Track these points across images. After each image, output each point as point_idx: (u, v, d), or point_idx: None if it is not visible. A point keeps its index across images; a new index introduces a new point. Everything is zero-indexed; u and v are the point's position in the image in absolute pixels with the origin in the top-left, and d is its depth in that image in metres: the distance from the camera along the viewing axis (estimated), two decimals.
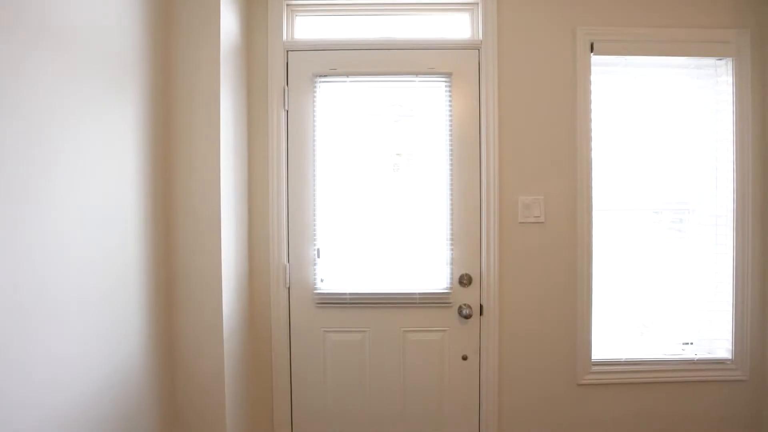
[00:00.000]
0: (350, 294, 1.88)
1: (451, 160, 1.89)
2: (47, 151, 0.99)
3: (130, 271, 1.32)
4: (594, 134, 1.90)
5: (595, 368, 1.91)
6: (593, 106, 1.90)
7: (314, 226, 1.89)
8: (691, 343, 2.00)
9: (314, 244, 1.89)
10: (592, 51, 1.89)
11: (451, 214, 1.89)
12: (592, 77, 1.90)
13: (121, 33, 1.27)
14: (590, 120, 1.89)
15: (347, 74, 1.88)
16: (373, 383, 1.90)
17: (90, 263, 1.13)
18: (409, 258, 1.89)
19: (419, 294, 1.87)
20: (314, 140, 1.89)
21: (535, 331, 1.90)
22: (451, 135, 1.89)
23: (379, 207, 1.89)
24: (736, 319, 1.92)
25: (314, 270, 1.90)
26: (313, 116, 1.89)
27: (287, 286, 1.90)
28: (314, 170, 1.89)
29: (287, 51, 1.88)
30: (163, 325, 1.50)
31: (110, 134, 1.22)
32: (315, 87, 1.89)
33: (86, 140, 1.12)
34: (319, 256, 1.89)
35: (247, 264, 1.86)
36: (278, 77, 1.87)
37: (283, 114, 1.88)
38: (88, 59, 1.13)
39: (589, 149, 1.88)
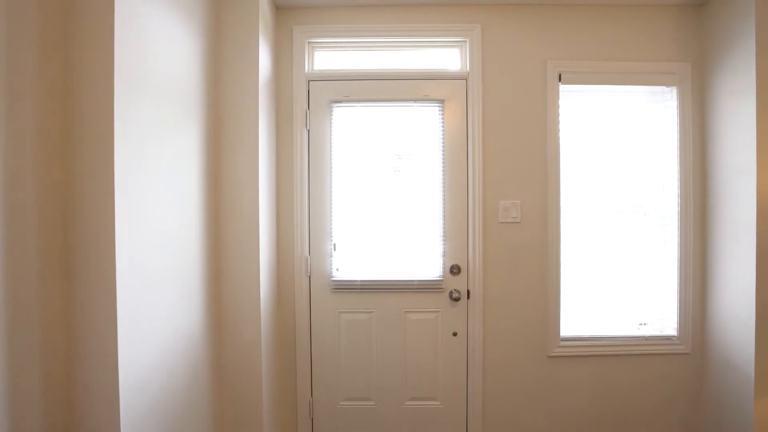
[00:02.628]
0: (360, 281, 2.28)
1: (444, 170, 2.29)
2: (146, 166, 1.39)
3: (194, 258, 1.72)
4: (562, 149, 2.30)
5: (563, 343, 2.30)
6: (561, 126, 2.30)
7: (331, 224, 2.30)
8: (646, 324, 2.39)
9: (331, 240, 2.30)
10: (560, 81, 2.29)
11: (444, 215, 2.29)
12: (561, 101, 2.30)
13: (187, 78, 1.68)
14: (558, 138, 2.29)
15: (358, 100, 2.28)
16: (379, 355, 2.30)
17: (173, 250, 1.54)
18: (409, 251, 2.29)
19: (417, 281, 2.28)
20: (331, 154, 2.30)
21: (513, 311, 2.29)
22: (443, 149, 2.29)
23: (385, 209, 2.29)
24: (680, 302, 2.31)
25: (331, 261, 2.30)
26: (330, 134, 2.30)
27: (308, 274, 2.30)
28: (331, 179, 2.30)
29: (309, 81, 2.29)
30: (215, 301, 1.91)
31: (182, 154, 1.62)
32: (331, 111, 2.30)
33: (168, 159, 1.53)
34: (335, 250, 2.30)
35: (275, 257, 2.26)
36: (301, 102, 2.28)
37: (305, 133, 2.29)
38: (169, 101, 1.53)
39: (557, 162, 2.28)
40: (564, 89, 2.31)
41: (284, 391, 2.31)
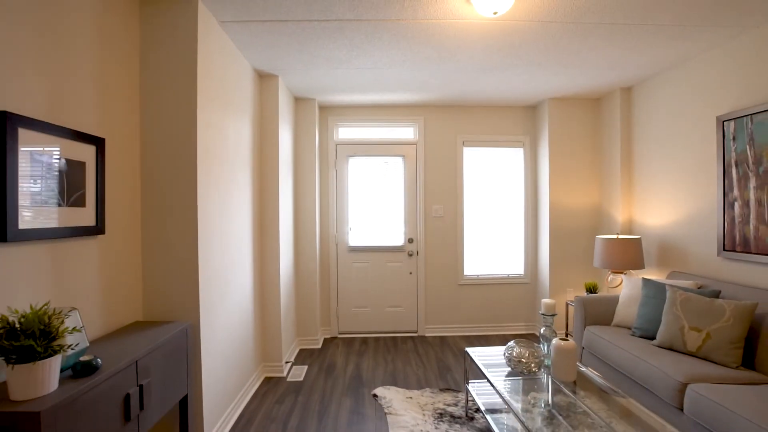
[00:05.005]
0: (363, 246, 4.51)
1: (405, 190, 4.53)
2: (226, 200, 3.63)
3: (247, 251, 3.94)
4: (465, 180, 4.54)
5: (465, 277, 4.54)
6: (464, 168, 4.54)
7: (348, 217, 4.53)
8: (509, 268, 4.63)
9: (348, 224, 4.53)
10: (464, 145, 4.54)
11: (405, 212, 4.52)
12: (464, 155, 4.54)
13: (244, 148, 3.92)
14: (462, 174, 4.53)
15: (361, 155, 4.52)
16: (372, 284, 4.53)
17: (240, 246, 3.77)
18: (387, 230, 4.52)
19: (391, 245, 4.51)
20: (347, 181, 4.53)
21: (439, 261, 4.53)
22: (404, 179, 4.53)
23: (375, 208, 4.53)
24: (525, 258, 4.56)
25: (348, 236, 4.53)
26: (347, 171, 4.53)
27: (336, 243, 4.53)
28: (347, 193, 4.53)
29: (336, 145, 4.53)
30: (258, 278, 4.13)
31: (244, 193, 3.85)
32: (348, 160, 4.53)
33: (239, 195, 3.76)
34: (350, 230, 4.53)
35: (319, 235, 4.49)
36: (332, 156, 4.51)
37: (335, 171, 4.52)
38: (236, 163, 3.77)
39: (462, 186, 4.52)
40: (466, 149, 4.56)
41: (324, 304, 4.54)
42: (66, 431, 1.23)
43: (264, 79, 3.46)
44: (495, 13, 2.13)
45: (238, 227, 2.97)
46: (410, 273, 4.54)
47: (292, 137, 4.06)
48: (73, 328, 1.33)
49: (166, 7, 2.15)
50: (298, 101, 4.18)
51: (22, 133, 1.40)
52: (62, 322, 1.30)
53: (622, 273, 3.57)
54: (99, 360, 1.42)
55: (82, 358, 1.40)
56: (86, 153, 1.74)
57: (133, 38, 2.11)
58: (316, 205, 4.20)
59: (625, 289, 3.15)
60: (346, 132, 4.60)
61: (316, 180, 4.22)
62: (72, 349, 1.34)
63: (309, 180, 4.19)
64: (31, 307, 1.24)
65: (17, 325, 1.20)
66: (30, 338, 1.16)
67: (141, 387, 1.62)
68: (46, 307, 1.28)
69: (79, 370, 1.37)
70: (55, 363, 1.25)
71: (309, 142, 4.18)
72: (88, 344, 1.53)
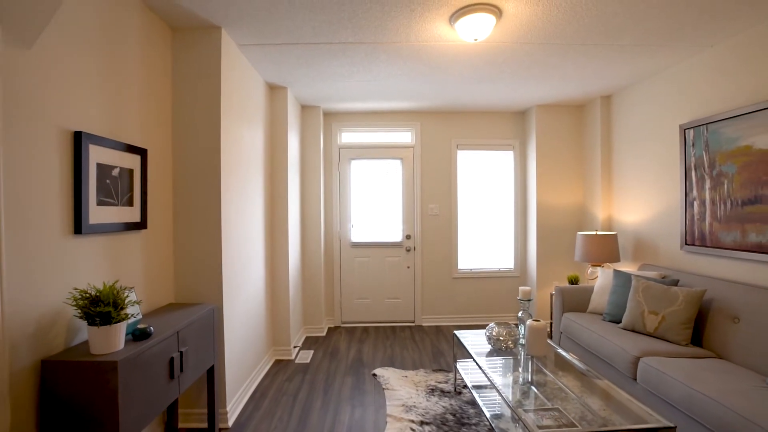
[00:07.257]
0: (364, 242, 4.87)
1: (403, 190, 4.88)
2: (243, 201, 4.00)
3: (260, 246, 4.31)
4: (459, 180, 4.89)
5: (459, 271, 4.89)
6: (458, 169, 4.89)
7: (350, 214, 4.89)
8: (500, 263, 4.98)
9: (350, 222, 4.89)
10: (457, 148, 4.88)
11: (403, 210, 4.88)
12: (459, 158, 4.89)
13: (257, 153, 4.28)
14: (456, 175, 4.88)
15: (362, 158, 4.88)
16: (373, 277, 4.89)
17: (254, 241, 4.13)
18: (387, 226, 4.88)
19: (390, 241, 4.87)
20: (350, 182, 4.89)
21: (435, 257, 4.89)
22: (402, 180, 4.88)
23: (376, 206, 4.88)
24: (515, 253, 4.90)
25: (351, 232, 4.89)
26: (349, 173, 4.89)
27: (339, 239, 4.89)
28: (350, 193, 4.89)
29: (339, 149, 4.89)
30: (269, 270, 4.49)
31: (257, 193, 4.22)
32: (350, 162, 4.89)
33: (253, 196, 4.12)
34: (352, 227, 4.89)
35: (323, 232, 4.85)
36: (336, 159, 4.87)
37: (338, 172, 4.88)
38: (250, 166, 4.14)
39: (456, 186, 4.87)
40: (460, 152, 4.91)
41: (328, 295, 4.90)
42: (132, 380, 1.60)
43: (274, 91, 3.82)
44: (476, 39, 2.48)
45: (253, 225, 3.33)
46: (408, 267, 4.90)
47: (299, 142, 4.42)
48: (134, 302, 1.70)
49: (194, 35, 2.51)
50: (305, 109, 4.54)
51: (92, 148, 1.77)
52: (126, 296, 1.66)
53: (600, 266, 3.91)
54: (152, 328, 1.79)
55: (139, 326, 1.76)
56: (134, 162, 2.10)
57: (167, 62, 2.47)
58: (320, 204, 4.56)
59: (599, 279, 3.49)
60: (348, 137, 4.95)
61: (321, 181, 4.58)
62: (133, 317, 1.71)
63: (314, 181, 4.55)
64: (104, 284, 1.61)
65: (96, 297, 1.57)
66: (108, 306, 1.53)
67: (181, 353, 1.99)
68: (116, 283, 1.64)
69: (137, 335, 1.74)
70: (123, 327, 1.61)
71: (314, 146, 4.54)
72: (141, 316, 1.90)
